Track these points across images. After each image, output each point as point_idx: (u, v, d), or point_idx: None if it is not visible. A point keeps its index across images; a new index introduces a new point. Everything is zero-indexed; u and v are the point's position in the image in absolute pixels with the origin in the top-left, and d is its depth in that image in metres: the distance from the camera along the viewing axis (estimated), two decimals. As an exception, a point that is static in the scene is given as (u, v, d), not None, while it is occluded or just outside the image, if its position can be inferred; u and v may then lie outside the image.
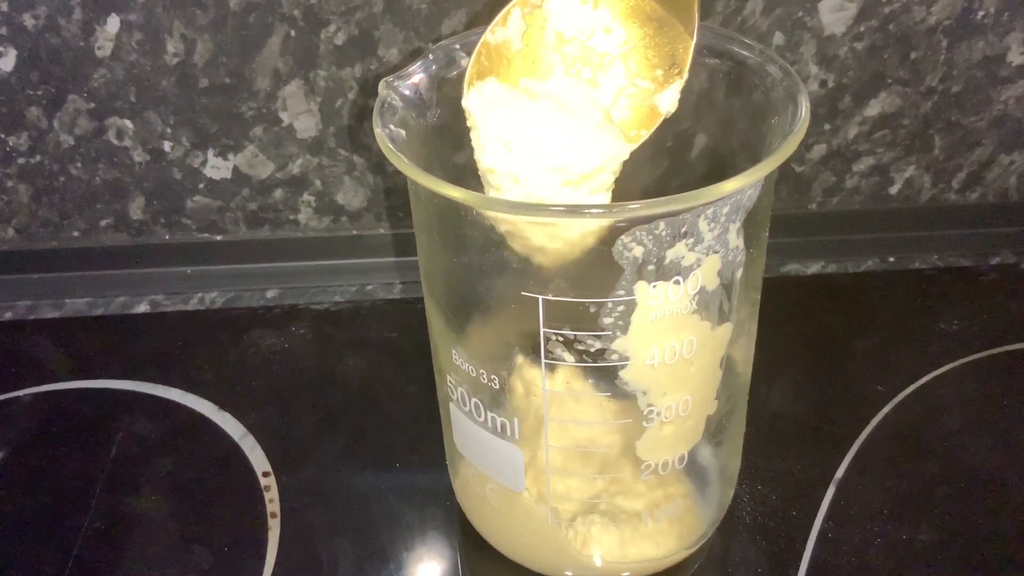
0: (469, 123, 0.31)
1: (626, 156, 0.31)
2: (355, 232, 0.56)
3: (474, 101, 0.31)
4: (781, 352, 0.46)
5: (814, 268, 0.55)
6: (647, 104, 0.31)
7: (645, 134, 0.31)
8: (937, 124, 0.53)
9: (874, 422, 0.44)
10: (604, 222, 0.28)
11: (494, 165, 0.30)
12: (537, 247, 0.29)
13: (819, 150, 0.53)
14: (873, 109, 0.52)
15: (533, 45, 0.32)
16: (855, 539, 0.39)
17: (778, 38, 0.49)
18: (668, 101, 0.31)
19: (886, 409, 0.44)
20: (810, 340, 0.49)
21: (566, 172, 0.29)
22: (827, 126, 0.52)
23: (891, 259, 0.55)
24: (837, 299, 0.53)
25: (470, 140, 0.37)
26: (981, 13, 0.49)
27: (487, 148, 0.30)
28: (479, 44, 0.32)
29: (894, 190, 0.55)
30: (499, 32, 0.32)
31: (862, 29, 0.49)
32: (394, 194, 0.54)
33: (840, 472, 0.41)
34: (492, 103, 0.30)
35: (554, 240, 0.29)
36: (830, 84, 0.51)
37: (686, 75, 0.31)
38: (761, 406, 0.38)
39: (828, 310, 0.52)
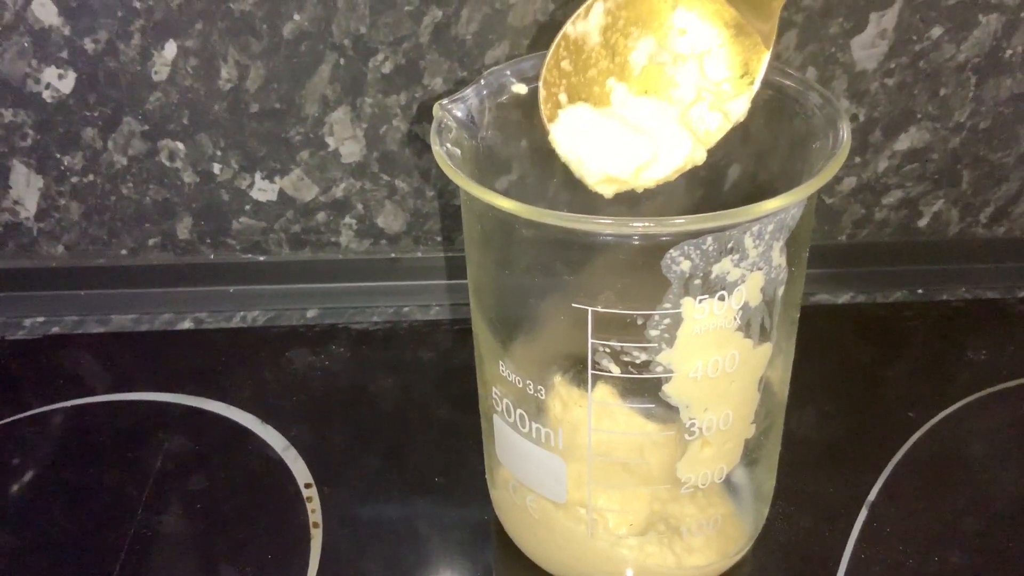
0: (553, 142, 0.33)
1: (703, 159, 0.32)
2: (393, 255, 0.57)
3: (560, 129, 0.33)
4: (812, 378, 0.47)
5: (843, 298, 0.56)
6: (718, 110, 0.32)
7: (715, 139, 0.33)
8: (965, 159, 0.54)
9: (906, 447, 0.44)
10: (654, 236, 0.29)
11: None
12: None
13: (849, 183, 0.55)
14: (903, 144, 0.53)
15: (611, 41, 0.33)
16: (888, 560, 0.39)
17: (811, 73, 0.50)
18: (739, 109, 0.32)
19: (917, 434, 0.45)
20: (840, 367, 0.50)
21: (647, 173, 0.31)
22: (857, 159, 0.54)
23: (919, 291, 0.56)
24: (867, 328, 0.53)
25: (515, 165, 0.38)
26: (1009, 52, 0.50)
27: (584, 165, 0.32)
28: (559, 36, 0.33)
29: (923, 223, 0.56)
30: (580, 25, 0.33)
31: (893, 65, 0.50)
32: (432, 219, 0.55)
33: (872, 495, 0.42)
34: (575, 127, 0.32)
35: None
36: (861, 118, 0.52)
37: (758, 85, 0.32)
38: (793, 430, 0.39)
39: (858, 339, 0.52)
